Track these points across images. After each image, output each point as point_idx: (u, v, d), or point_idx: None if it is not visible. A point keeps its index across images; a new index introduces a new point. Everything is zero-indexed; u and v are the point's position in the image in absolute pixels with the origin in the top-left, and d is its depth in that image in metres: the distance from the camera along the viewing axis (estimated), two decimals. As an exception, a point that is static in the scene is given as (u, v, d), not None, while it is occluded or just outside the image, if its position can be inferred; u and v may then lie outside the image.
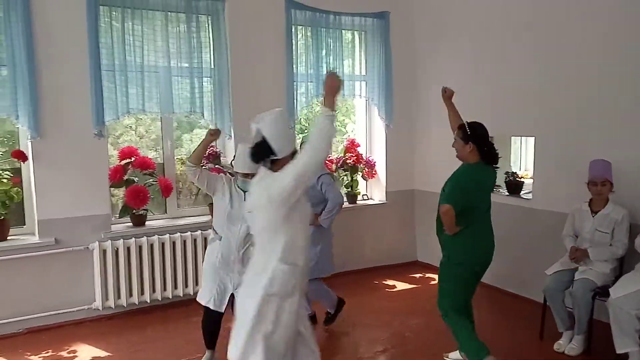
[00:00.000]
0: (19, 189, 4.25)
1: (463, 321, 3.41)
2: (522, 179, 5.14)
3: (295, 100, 5.28)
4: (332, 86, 2.49)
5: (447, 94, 3.83)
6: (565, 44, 4.45)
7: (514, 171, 5.22)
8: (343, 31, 5.57)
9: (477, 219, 3.36)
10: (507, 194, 5.09)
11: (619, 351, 3.40)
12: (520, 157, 6.06)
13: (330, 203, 3.96)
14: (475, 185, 3.35)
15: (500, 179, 5.25)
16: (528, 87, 4.78)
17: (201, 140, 3.55)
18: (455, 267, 3.37)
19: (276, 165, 2.58)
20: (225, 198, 3.42)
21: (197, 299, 3.53)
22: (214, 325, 3.53)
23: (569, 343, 3.80)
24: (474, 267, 3.38)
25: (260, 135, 2.57)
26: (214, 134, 3.55)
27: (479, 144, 3.37)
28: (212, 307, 3.41)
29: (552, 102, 4.58)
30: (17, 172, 4.35)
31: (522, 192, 5.04)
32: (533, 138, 4.81)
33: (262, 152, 2.57)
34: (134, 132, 5.50)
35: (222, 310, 3.44)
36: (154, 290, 4.66)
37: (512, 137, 5.25)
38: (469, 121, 3.47)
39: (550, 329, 3.98)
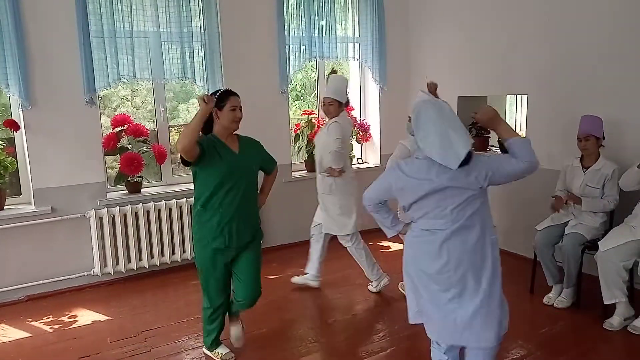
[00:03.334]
0: (13, 159, 4.27)
1: None
2: (515, 138, 5.14)
3: (287, 64, 5.24)
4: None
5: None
6: (558, 1, 4.40)
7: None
8: (335, -8, 5.49)
9: None
10: (500, 153, 5.09)
11: (606, 302, 3.48)
12: (516, 116, 6.05)
13: None
14: None
15: (494, 139, 5.27)
16: (521, 45, 4.73)
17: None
18: None
19: None
20: None
21: None
22: None
23: (558, 296, 3.88)
24: None
25: None
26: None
27: None
28: None
29: (544, 60, 4.55)
30: (10, 142, 4.37)
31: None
32: (526, 96, 4.80)
33: None
34: (130, 103, 5.48)
35: None
36: (151, 256, 4.73)
37: (507, 97, 5.23)
38: None
39: (540, 284, 4.06)
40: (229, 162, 3.00)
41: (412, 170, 2.39)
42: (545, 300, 3.93)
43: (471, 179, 2.27)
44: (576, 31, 4.28)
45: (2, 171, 4.16)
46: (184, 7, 4.66)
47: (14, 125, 4.18)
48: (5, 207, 4.30)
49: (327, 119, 4.21)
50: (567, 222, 3.89)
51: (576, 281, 3.78)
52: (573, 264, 3.73)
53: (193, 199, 3.14)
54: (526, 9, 4.66)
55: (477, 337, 2.34)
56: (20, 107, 4.16)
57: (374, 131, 6.00)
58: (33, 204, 4.34)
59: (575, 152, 4.00)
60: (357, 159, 6.09)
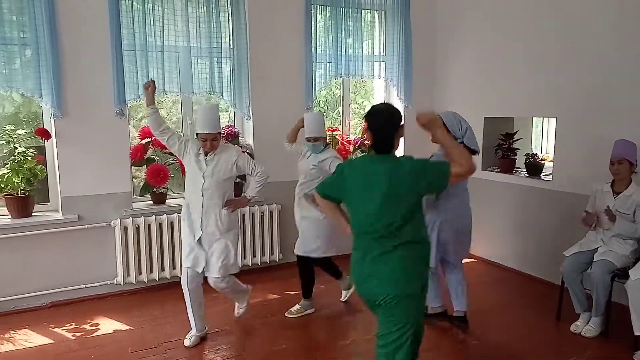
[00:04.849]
0: (43, 167, 4.35)
1: None
2: (542, 161, 5.08)
3: (313, 81, 5.28)
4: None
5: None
6: (588, 22, 4.35)
7: (534, 153, 5.15)
8: (363, 11, 5.52)
9: None
10: (526, 175, 5.03)
11: (637, 333, 3.37)
12: (542, 139, 5.98)
13: None
14: None
15: (521, 161, 5.21)
16: (550, 67, 4.69)
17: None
18: None
19: None
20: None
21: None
22: None
23: (586, 325, 3.77)
24: None
25: None
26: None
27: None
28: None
29: (574, 82, 4.50)
30: (41, 150, 4.46)
31: (542, 174, 4.98)
32: (554, 119, 4.74)
33: None
34: (155, 114, 5.55)
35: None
36: (173, 267, 4.75)
37: (534, 118, 5.18)
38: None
39: (567, 311, 3.95)
40: None
41: None
42: (572, 328, 3.82)
43: None
44: (606, 54, 4.22)
45: (31, 178, 4.25)
46: (214, 23, 4.73)
47: (46, 134, 4.27)
48: (33, 214, 4.37)
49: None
50: (596, 248, 3.80)
51: (605, 310, 3.68)
52: (602, 292, 3.63)
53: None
54: (554, 30, 4.61)
55: None
56: (52, 116, 4.25)
57: (398, 149, 5.96)
58: (60, 212, 4.41)
59: (604, 177, 3.92)
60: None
